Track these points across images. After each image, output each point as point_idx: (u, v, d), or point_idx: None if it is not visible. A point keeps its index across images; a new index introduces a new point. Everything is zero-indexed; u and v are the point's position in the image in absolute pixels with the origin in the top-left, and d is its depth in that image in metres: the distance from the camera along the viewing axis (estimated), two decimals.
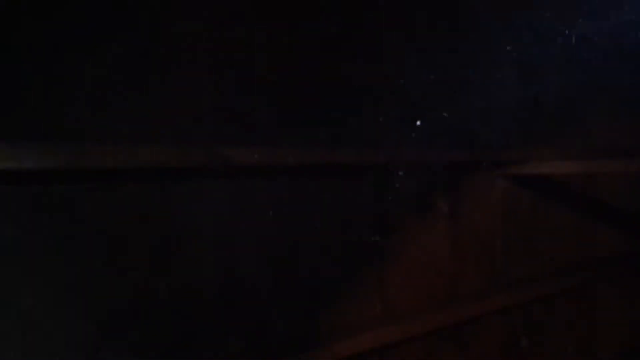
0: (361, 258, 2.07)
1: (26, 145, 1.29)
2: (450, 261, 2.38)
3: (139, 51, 1.51)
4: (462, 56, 2.41)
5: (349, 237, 2.02)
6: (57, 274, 1.39)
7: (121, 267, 1.50)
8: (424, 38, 2.26)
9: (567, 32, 2.58)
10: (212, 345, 1.66)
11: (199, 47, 1.63)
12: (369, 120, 2.08)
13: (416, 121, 2.22)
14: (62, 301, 1.39)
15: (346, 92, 2.01)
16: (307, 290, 1.90)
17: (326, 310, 1.96)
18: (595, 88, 2.97)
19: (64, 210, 1.41)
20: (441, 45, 2.33)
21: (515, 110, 2.63)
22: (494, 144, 2.54)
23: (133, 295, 1.51)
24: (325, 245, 1.95)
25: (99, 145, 1.43)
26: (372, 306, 2.10)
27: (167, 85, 1.58)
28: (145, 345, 1.53)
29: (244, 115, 1.72)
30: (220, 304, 1.68)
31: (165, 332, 1.57)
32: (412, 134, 2.21)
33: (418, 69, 2.24)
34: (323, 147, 1.91)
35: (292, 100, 1.86)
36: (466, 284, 2.45)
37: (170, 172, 1.58)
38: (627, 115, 3.16)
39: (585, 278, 2.95)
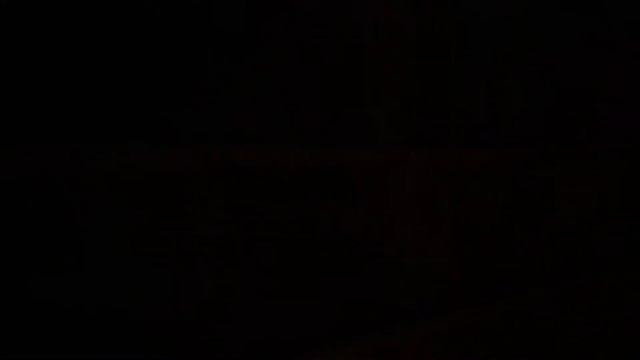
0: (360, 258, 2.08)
1: None
2: (450, 260, 2.39)
3: None
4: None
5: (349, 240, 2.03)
6: None
7: None
8: None
9: None
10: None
11: None
12: (367, 120, 2.08)
13: (417, 121, 2.23)
14: None
15: (345, 91, 2.01)
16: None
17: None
18: None
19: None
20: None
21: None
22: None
23: None
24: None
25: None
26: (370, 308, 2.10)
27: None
28: None
29: None
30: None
31: None
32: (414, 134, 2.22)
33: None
34: (322, 148, 1.92)
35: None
36: (467, 284, 2.45)
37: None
38: None
39: (587, 279, 2.95)
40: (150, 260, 1.55)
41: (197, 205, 1.65)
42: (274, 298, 1.83)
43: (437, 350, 2.25)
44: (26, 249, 1.36)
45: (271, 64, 1.83)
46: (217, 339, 1.68)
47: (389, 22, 2.15)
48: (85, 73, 1.46)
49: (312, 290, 1.93)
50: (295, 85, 1.89)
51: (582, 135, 2.99)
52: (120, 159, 1.47)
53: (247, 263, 1.76)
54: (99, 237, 1.47)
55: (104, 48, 1.49)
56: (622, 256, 3.32)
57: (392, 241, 2.16)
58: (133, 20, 1.54)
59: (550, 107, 2.85)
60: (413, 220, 2.24)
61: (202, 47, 1.67)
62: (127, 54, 1.53)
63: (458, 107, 2.42)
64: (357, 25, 2.04)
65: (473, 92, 2.49)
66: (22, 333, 1.34)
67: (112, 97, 1.50)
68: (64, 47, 1.43)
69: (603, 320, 2.88)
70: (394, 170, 2.17)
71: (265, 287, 1.81)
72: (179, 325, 1.61)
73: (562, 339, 2.81)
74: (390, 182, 2.16)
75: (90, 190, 1.45)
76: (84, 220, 1.44)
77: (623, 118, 3.22)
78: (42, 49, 1.39)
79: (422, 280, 2.27)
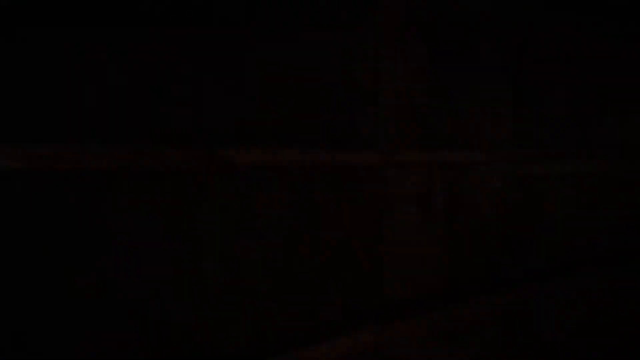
0: (357, 255, 2.09)
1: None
2: (447, 258, 2.40)
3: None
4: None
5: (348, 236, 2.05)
6: None
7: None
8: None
9: None
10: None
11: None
12: (366, 121, 2.10)
13: (414, 121, 2.25)
14: None
15: (348, 93, 2.03)
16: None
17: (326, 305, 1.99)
18: None
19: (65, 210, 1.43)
20: None
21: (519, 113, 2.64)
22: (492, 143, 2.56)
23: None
24: (326, 244, 1.98)
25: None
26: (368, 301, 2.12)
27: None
28: None
29: None
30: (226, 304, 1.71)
31: None
32: (409, 134, 2.24)
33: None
34: (322, 148, 1.94)
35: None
36: (463, 281, 2.47)
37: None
38: None
39: (584, 277, 2.97)
40: (155, 257, 1.58)
41: (200, 204, 1.67)
42: (276, 294, 1.85)
43: (435, 344, 2.27)
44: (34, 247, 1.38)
45: (273, 67, 1.84)
46: (219, 335, 1.70)
47: (389, 23, 2.17)
48: (90, 77, 1.48)
49: (312, 285, 1.95)
50: (295, 88, 1.91)
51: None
52: (121, 159, 1.49)
53: (251, 260, 1.78)
54: (102, 234, 1.49)
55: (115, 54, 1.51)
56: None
57: (390, 238, 2.19)
58: (140, 23, 1.56)
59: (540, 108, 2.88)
60: (410, 218, 2.26)
61: (206, 49, 1.68)
62: (133, 56, 1.55)
63: (454, 109, 2.45)
64: (357, 26, 2.06)
65: (469, 95, 2.52)
66: (30, 321, 1.36)
67: (116, 99, 1.52)
68: (66, 46, 1.45)
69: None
70: (391, 170, 2.20)
71: (268, 282, 1.83)
72: (181, 319, 1.62)
73: (554, 334, 2.83)
74: (388, 182, 2.19)
75: (94, 189, 1.47)
76: (90, 217, 1.46)
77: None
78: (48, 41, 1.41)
79: (419, 276, 2.30)
